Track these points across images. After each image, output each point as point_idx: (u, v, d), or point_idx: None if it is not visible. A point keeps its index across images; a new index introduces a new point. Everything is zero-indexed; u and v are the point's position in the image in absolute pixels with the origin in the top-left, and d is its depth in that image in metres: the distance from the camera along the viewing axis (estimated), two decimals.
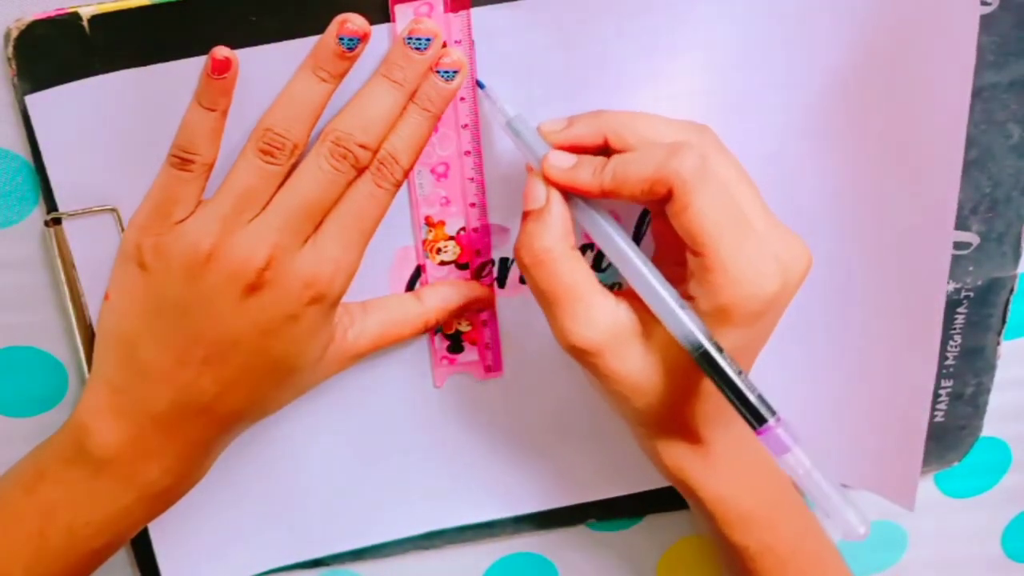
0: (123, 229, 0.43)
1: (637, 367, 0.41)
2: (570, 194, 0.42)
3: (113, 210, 0.43)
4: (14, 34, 0.39)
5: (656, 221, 0.46)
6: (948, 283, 0.50)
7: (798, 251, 0.42)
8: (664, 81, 0.44)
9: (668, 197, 0.39)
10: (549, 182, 0.41)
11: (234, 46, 0.40)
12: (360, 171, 0.42)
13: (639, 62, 0.44)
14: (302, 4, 0.40)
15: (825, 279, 0.49)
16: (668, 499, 0.53)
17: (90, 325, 0.45)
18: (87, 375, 0.45)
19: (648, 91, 0.44)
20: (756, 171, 0.47)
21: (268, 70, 0.41)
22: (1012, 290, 0.51)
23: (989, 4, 0.44)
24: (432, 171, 0.45)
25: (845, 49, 0.44)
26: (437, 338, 0.49)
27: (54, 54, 0.40)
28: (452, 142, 0.44)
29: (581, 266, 0.41)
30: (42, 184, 0.42)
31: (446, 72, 0.42)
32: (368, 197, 0.42)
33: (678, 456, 0.44)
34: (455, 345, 0.49)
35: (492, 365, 0.50)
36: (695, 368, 0.40)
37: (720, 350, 0.39)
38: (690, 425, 0.43)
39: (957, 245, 0.50)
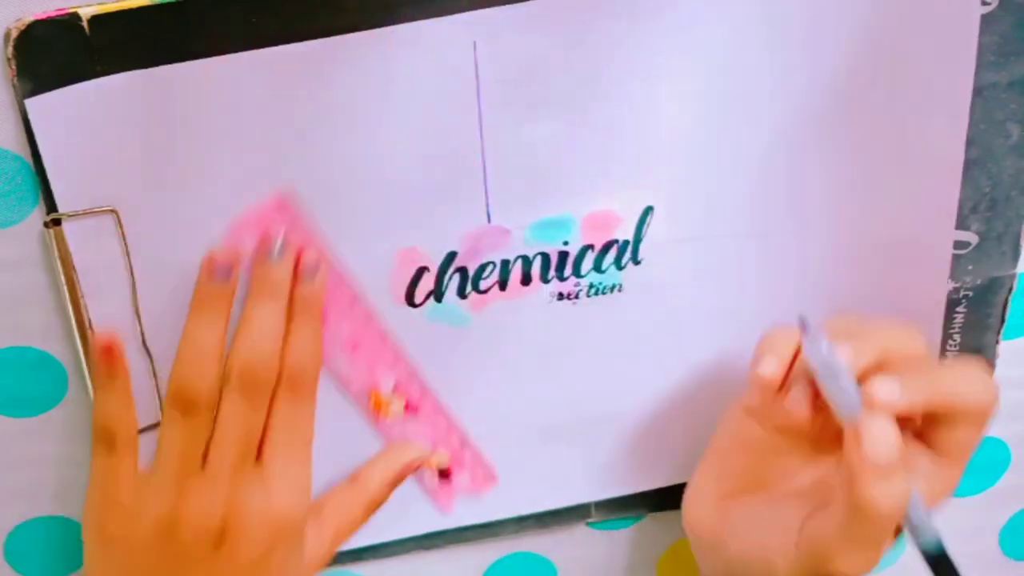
0: (123, 230, 0.43)
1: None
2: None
3: (113, 211, 0.43)
4: (14, 34, 0.39)
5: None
6: (948, 283, 0.50)
7: None
8: (666, 82, 0.44)
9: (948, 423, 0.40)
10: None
11: (235, 47, 0.40)
12: (275, 389, 0.43)
13: (642, 63, 0.44)
14: (302, 5, 0.40)
15: (826, 279, 0.49)
16: (668, 499, 0.53)
17: (90, 325, 0.45)
18: (87, 375, 0.45)
19: (650, 91, 0.44)
20: (755, 171, 0.47)
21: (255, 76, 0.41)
22: (1011, 289, 0.51)
23: (989, 4, 0.44)
24: (344, 348, 0.47)
25: (846, 49, 0.44)
26: (426, 476, 0.50)
27: (54, 55, 0.40)
28: (348, 316, 0.46)
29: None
30: (42, 184, 0.42)
31: (311, 274, 0.44)
32: (293, 416, 0.44)
33: None
34: (444, 476, 0.51)
35: (486, 475, 0.51)
36: None
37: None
38: None
39: (956, 244, 0.50)
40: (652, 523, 0.56)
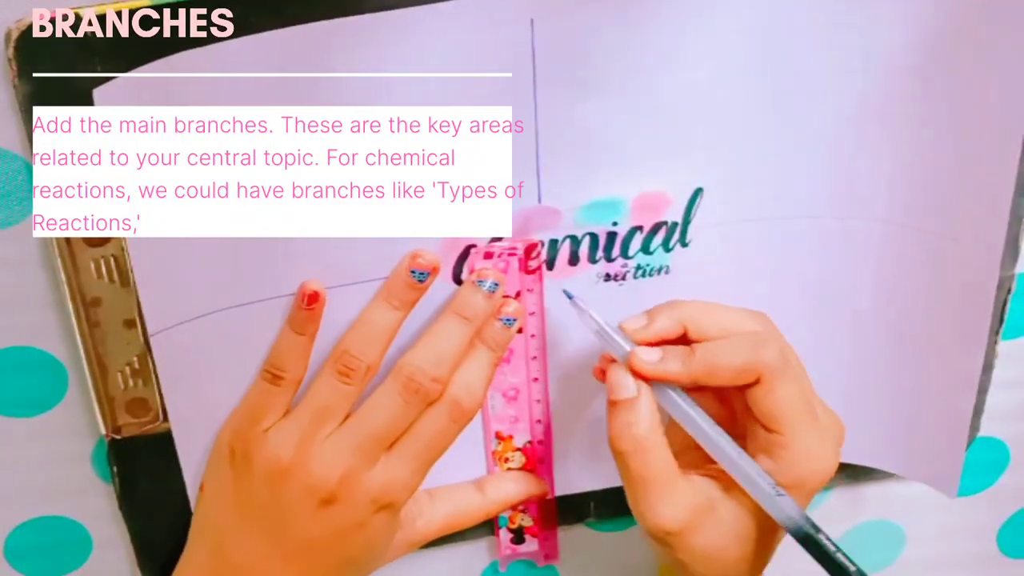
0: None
1: (716, 540, 0.44)
2: (653, 384, 0.44)
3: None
4: (14, 35, 0.39)
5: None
6: (998, 273, 0.49)
7: (840, 427, 0.46)
8: (718, 64, 0.44)
9: (754, 383, 0.43)
10: (637, 375, 0.44)
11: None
12: (430, 403, 0.46)
13: (695, 45, 0.43)
14: (302, 6, 0.40)
15: (874, 265, 0.49)
16: None
17: (90, 325, 0.45)
18: (87, 375, 0.46)
19: (701, 73, 0.44)
20: (806, 154, 0.46)
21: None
22: (1010, 290, 0.51)
23: None
24: (503, 395, 0.50)
25: (908, 34, 0.44)
26: (503, 532, 0.54)
27: (54, 54, 0.40)
28: (522, 371, 0.49)
29: (668, 453, 0.44)
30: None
31: (508, 319, 0.47)
32: (441, 432, 0.46)
33: None
34: (518, 538, 0.54)
35: (549, 553, 0.55)
36: (772, 530, 0.45)
37: (818, 530, 0.43)
38: None
39: None
40: None
